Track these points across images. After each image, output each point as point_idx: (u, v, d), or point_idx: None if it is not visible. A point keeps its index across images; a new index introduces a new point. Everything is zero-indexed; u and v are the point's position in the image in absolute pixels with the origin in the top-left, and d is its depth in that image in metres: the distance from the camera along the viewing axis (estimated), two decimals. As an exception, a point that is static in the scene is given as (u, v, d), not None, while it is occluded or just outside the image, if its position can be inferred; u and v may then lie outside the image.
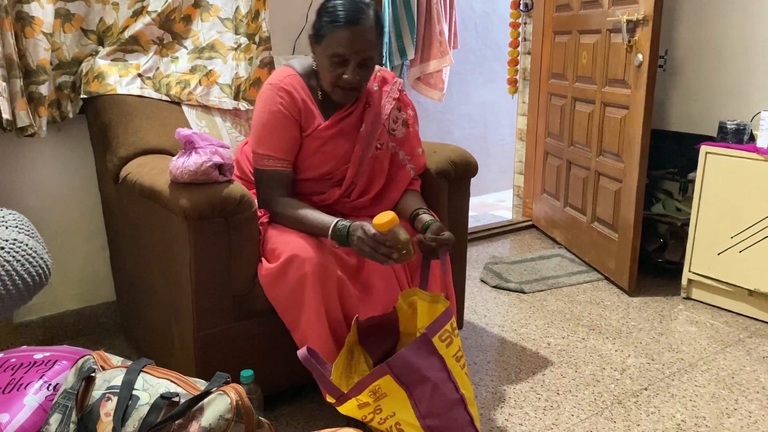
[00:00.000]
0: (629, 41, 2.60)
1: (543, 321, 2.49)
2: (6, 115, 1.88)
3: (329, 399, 1.51)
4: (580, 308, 2.61)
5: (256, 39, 2.32)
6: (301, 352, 1.47)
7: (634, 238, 2.66)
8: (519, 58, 3.68)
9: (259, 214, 1.75)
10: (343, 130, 1.79)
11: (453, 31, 3.78)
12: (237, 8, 2.30)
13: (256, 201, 1.73)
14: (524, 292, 2.76)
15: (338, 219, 1.64)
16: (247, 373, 1.49)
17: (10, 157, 2.08)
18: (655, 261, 2.91)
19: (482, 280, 2.90)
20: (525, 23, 3.62)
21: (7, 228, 1.77)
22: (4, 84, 1.87)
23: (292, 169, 1.78)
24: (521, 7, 3.58)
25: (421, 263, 1.71)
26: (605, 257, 2.88)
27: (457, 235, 2.10)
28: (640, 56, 2.53)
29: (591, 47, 2.96)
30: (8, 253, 1.71)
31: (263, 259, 1.70)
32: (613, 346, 2.27)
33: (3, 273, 1.69)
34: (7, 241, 1.72)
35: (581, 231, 3.12)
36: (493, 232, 3.61)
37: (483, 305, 2.64)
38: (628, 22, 2.57)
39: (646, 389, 1.99)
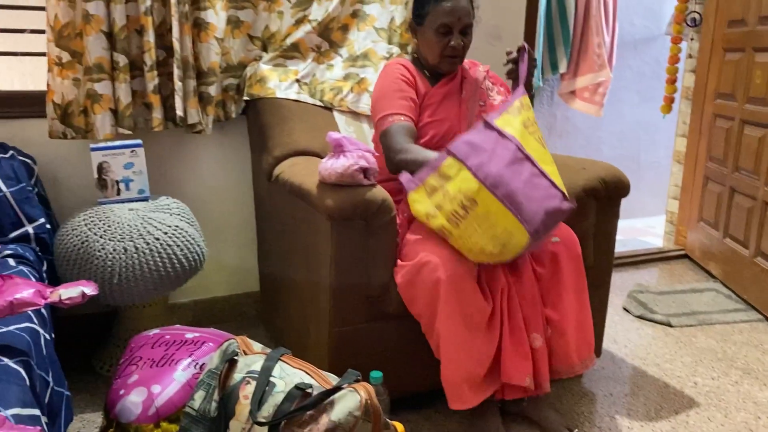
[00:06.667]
0: (814, 60, 2.34)
1: (691, 358, 2.30)
2: (179, 112, 2.06)
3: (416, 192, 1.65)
4: (735, 349, 2.38)
5: (409, 49, 2.36)
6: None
7: (805, 278, 2.39)
8: (680, 75, 3.44)
9: (398, 219, 1.78)
10: (448, 93, 1.98)
11: (611, 46, 3.61)
12: (392, 19, 2.35)
13: (393, 201, 1.75)
14: (671, 326, 2.57)
15: None
16: (376, 374, 1.51)
17: (178, 150, 2.28)
18: (830, 306, 2.59)
19: (625, 309, 2.74)
20: (691, 39, 3.39)
21: (171, 215, 1.93)
22: (180, 84, 2.04)
23: (415, 127, 1.90)
24: (688, 22, 3.35)
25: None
26: (768, 296, 2.61)
27: (603, 259, 2.02)
28: (826, 77, 2.27)
29: (767, 66, 2.70)
30: (170, 238, 1.86)
31: (398, 261, 1.73)
32: (772, 395, 2.05)
33: (165, 256, 1.84)
34: (170, 227, 1.88)
35: (742, 265, 2.85)
36: (640, 259, 3.40)
37: (624, 335, 2.49)
38: (815, 38, 2.32)
39: (810, 447, 1.77)
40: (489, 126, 1.63)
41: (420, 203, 1.64)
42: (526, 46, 1.82)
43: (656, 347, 2.39)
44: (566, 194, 1.62)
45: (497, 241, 1.58)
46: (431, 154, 1.73)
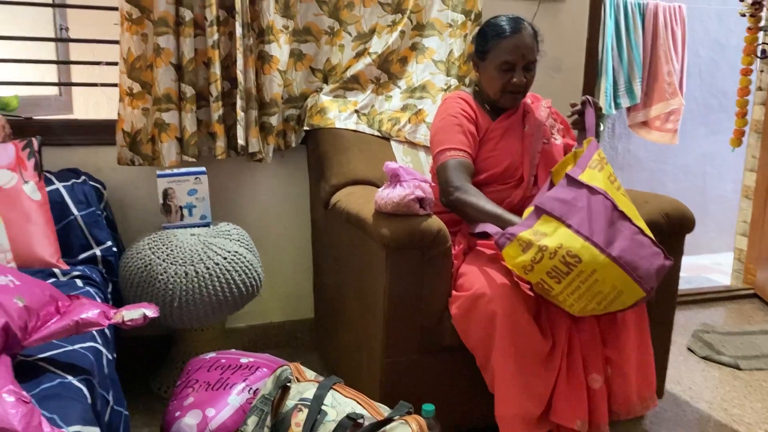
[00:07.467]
0: None
1: (761, 404, 2.18)
2: (241, 141, 2.11)
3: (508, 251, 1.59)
4: (811, 396, 2.24)
5: (467, 81, 2.37)
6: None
7: None
8: (750, 108, 3.33)
9: (453, 250, 1.77)
10: (510, 128, 1.95)
11: (681, 73, 3.54)
12: (450, 51, 2.37)
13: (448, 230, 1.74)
14: (739, 369, 2.45)
15: None
16: (428, 407, 1.48)
17: (239, 178, 2.34)
18: None
19: (689, 349, 2.63)
20: (762, 71, 3.28)
21: (230, 241, 1.97)
22: (242, 114, 2.11)
23: (473, 163, 1.88)
24: (758, 54, 3.25)
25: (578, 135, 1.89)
26: None
27: (666, 297, 1.95)
28: None
29: (844, 98, 2.58)
30: (229, 263, 1.90)
31: (453, 292, 1.71)
32: None
33: (223, 281, 1.88)
34: (229, 252, 1.92)
35: (817, 307, 2.70)
36: (706, 297, 3.26)
37: (688, 376, 2.38)
38: None
39: None
40: (576, 182, 1.60)
41: (516, 258, 1.59)
42: (590, 98, 1.82)
43: (723, 391, 2.27)
44: (664, 250, 1.59)
45: (602, 298, 1.56)
46: (493, 206, 1.72)
